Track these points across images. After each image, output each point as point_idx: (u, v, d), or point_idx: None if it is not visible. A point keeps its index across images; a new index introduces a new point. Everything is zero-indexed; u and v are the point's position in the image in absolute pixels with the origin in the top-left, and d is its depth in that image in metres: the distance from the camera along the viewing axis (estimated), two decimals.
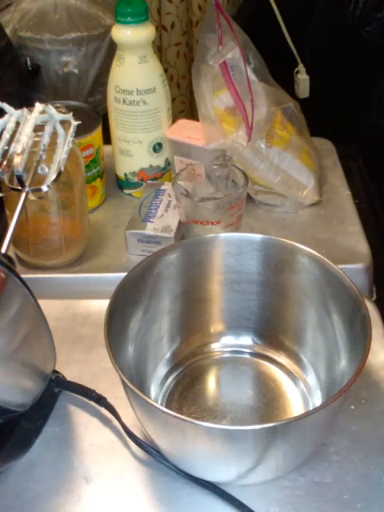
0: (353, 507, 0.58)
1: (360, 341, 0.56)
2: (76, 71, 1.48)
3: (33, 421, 0.65)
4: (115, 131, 0.92)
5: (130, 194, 0.96)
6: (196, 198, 0.75)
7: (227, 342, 0.72)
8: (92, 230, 0.87)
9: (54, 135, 0.65)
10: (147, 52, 0.87)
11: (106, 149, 0.94)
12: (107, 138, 0.94)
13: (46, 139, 0.64)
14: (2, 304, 0.54)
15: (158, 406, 0.54)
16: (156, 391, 0.67)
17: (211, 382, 0.70)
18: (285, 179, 0.90)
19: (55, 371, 0.66)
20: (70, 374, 0.69)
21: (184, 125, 0.92)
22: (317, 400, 0.65)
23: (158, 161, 0.93)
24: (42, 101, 0.66)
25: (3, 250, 0.57)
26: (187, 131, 0.90)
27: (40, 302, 0.59)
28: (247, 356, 0.71)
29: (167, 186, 0.90)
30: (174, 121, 0.93)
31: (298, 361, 0.69)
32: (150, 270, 0.65)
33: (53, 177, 0.63)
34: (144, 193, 0.89)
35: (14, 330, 0.56)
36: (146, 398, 0.52)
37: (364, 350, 0.54)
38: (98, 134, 0.89)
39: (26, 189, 0.61)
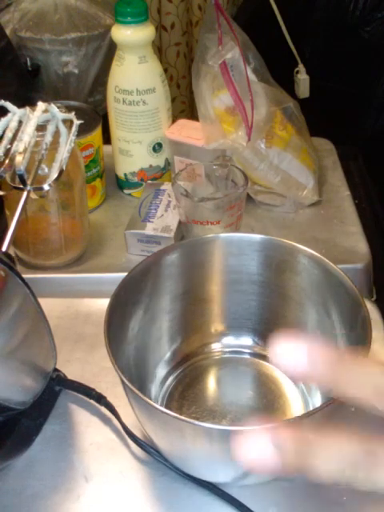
0: (351, 509, 0.58)
1: (360, 341, 0.56)
2: (76, 71, 1.48)
3: (33, 419, 0.65)
4: (115, 131, 0.92)
5: (129, 194, 0.96)
6: (196, 198, 0.75)
7: (227, 343, 0.72)
8: (92, 229, 0.87)
9: (56, 134, 0.65)
10: (147, 52, 0.87)
11: (106, 149, 0.94)
12: (107, 138, 0.94)
13: (48, 138, 0.64)
14: (3, 302, 0.54)
15: (157, 406, 0.54)
16: (156, 391, 0.67)
17: (211, 383, 0.70)
18: (285, 179, 0.90)
19: (56, 369, 0.66)
20: (71, 373, 0.69)
21: (184, 125, 0.92)
22: (317, 401, 0.65)
23: (158, 161, 0.93)
24: (42, 101, 0.66)
25: (4, 249, 0.57)
26: (187, 131, 0.90)
27: (41, 301, 0.59)
28: (247, 356, 0.71)
29: (167, 186, 0.90)
30: (174, 121, 0.94)
31: None
32: (150, 270, 0.64)
33: (54, 175, 0.63)
34: (144, 193, 0.89)
35: (15, 328, 0.56)
36: (145, 398, 0.52)
37: (364, 350, 0.55)
38: (97, 133, 0.89)
39: (28, 187, 0.61)
